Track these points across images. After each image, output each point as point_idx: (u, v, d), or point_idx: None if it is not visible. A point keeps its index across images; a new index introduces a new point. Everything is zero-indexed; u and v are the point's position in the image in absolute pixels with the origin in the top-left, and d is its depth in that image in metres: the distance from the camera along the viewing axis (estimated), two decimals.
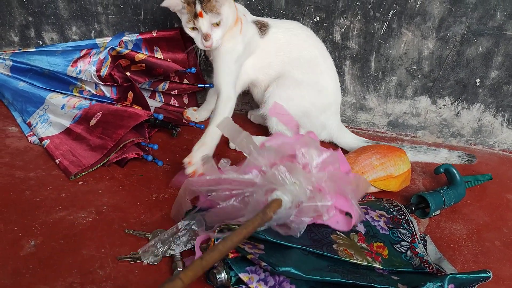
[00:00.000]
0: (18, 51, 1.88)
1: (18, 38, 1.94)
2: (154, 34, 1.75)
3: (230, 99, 1.52)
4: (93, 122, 1.52)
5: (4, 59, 1.85)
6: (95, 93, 1.68)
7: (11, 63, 1.83)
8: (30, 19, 1.89)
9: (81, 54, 1.72)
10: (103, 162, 1.43)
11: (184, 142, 1.65)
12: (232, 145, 1.64)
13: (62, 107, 1.62)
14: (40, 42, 1.93)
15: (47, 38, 1.92)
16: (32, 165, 1.44)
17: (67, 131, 1.55)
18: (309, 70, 1.60)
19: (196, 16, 1.42)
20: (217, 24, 1.43)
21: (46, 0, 1.83)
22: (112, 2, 1.80)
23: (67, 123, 1.57)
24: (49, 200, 1.28)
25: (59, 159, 1.45)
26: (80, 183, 1.38)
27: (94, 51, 1.71)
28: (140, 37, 1.76)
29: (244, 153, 1.17)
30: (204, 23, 1.42)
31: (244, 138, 1.15)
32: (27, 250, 1.11)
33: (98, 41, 1.88)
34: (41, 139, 1.55)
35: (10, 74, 1.82)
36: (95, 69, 1.63)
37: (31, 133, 1.60)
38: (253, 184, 1.06)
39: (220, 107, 1.49)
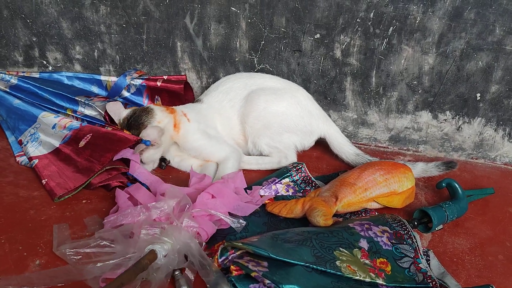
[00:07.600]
0: (28, 75, 1.91)
1: (22, 58, 1.96)
2: (159, 84, 1.77)
3: None
4: (82, 143, 1.51)
5: (10, 77, 1.86)
6: (87, 114, 1.69)
7: (16, 82, 1.84)
8: (34, 39, 1.91)
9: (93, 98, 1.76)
10: (85, 183, 1.41)
11: (170, 171, 1.63)
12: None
13: (53, 127, 1.61)
14: (44, 61, 1.95)
15: (51, 57, 1.94)
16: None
17: (56, 151, 1.55)
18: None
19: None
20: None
21: (50, 20, 1.86)
22: (115, 21, 1.83)
23: (56, 143, 1.57)
24: (53, 219, 1.29)
25: (46, 179, 1.44)
26: (84, 201, 1.39)
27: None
28: (144, 83, 1.79)
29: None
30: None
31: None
32: (32, 269, 1.11)
33: (103, 78, 1.92)
34: (30, 158, 1.55)
35: (8, 90, 1.82)
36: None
37: (21, 152, 1.60)
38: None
39: None
